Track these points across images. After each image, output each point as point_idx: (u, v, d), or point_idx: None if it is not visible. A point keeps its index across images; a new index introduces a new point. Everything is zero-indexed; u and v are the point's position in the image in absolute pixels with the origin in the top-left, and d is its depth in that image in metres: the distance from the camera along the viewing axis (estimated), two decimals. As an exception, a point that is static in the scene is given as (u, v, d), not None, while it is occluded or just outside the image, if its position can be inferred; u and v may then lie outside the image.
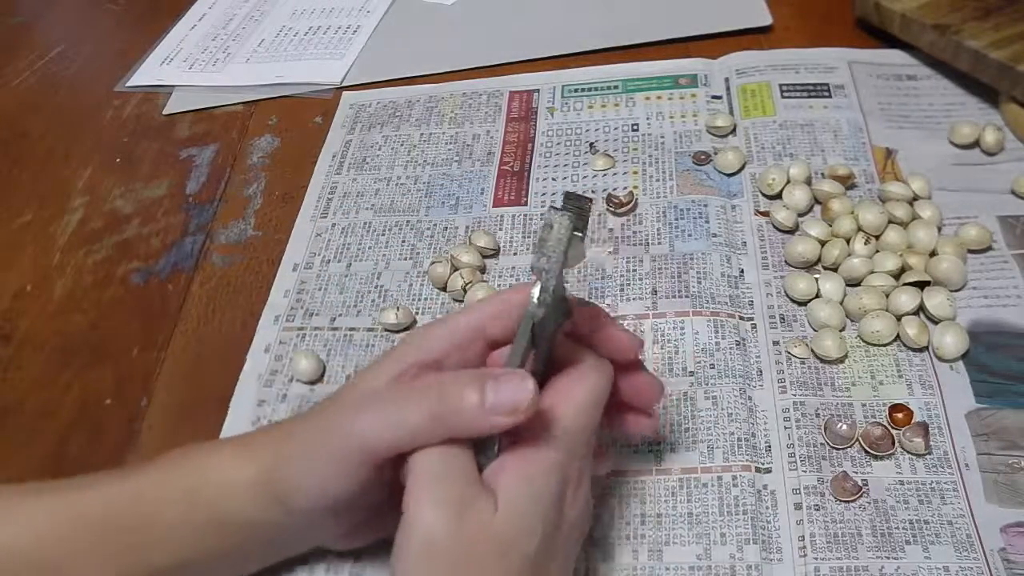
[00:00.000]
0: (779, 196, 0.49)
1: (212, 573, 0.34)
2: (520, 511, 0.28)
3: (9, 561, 0.31)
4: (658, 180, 0.52)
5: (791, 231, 0.48)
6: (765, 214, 0.49)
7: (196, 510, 0.32)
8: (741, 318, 0.44)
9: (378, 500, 0.32)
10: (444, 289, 0.48)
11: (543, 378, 0.31)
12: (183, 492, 0.33)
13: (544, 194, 0.52)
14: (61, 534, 0.32)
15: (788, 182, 0.49)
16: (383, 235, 0.52)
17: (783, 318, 0.44)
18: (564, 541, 0.30)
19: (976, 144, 0.51)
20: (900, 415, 0.39)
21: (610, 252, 0.48)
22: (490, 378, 0.29)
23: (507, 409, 0.28)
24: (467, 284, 0.47)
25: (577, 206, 0.29)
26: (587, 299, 0.34)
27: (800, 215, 0.48)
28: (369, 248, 0.51)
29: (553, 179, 0.53)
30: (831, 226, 0.47)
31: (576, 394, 0.30)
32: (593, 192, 0.52)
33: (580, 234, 0.29)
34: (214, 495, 0.33)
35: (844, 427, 0.39)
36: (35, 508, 0.32)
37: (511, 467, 0.29)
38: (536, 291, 0.29)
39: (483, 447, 0.30)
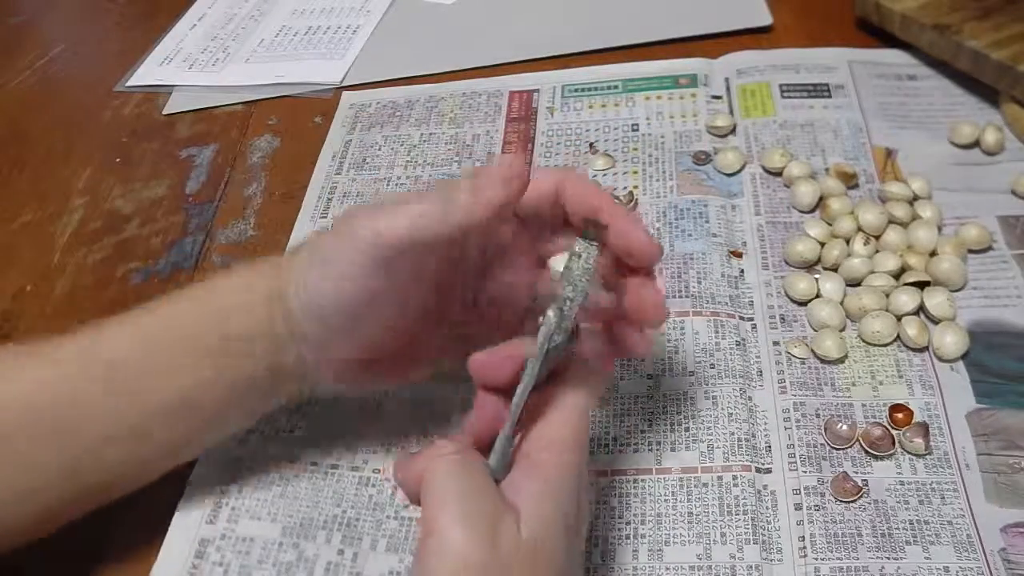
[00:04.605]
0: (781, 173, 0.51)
1: (206, 420, 0.35)
2: (547, 524, 0.28)
3: (25, 414, 0.33)
4: (658, 180, 0.52)
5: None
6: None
7: (199, 334, 0.34)
8: (741, 318, 0.44)
9: (385, 338, 0.34)
10: (444, 289, 0.47)
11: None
12: (188, 314, 0.35)
13: (544, 194, 0.52)
14: (70, 384, 0.34)
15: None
16: (383, 235, 0.52)
17: (783, 318, 0.44)
18: (579, 543, 0.30)
19: (976, 144, 0.51)
20: (900, 415, 0.39)
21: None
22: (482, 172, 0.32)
23: (500, 182, 0.31)
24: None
25: (598, 235, 0.31)
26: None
27: (802, 212, 0.48)
28: (369, 248, 0.51)
29: (553, 179, 0.53)
30: (831, 226, 0.47)
31: (577, 401, 0.31)
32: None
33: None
34: (219, 307, 0.34)
35: (844, 427, 0.39)
36: (43, 362, 0.34)
37: (533, 476, 0.29)
38: (554, 317, 0.30)
39: (495, 454, 0.30)
